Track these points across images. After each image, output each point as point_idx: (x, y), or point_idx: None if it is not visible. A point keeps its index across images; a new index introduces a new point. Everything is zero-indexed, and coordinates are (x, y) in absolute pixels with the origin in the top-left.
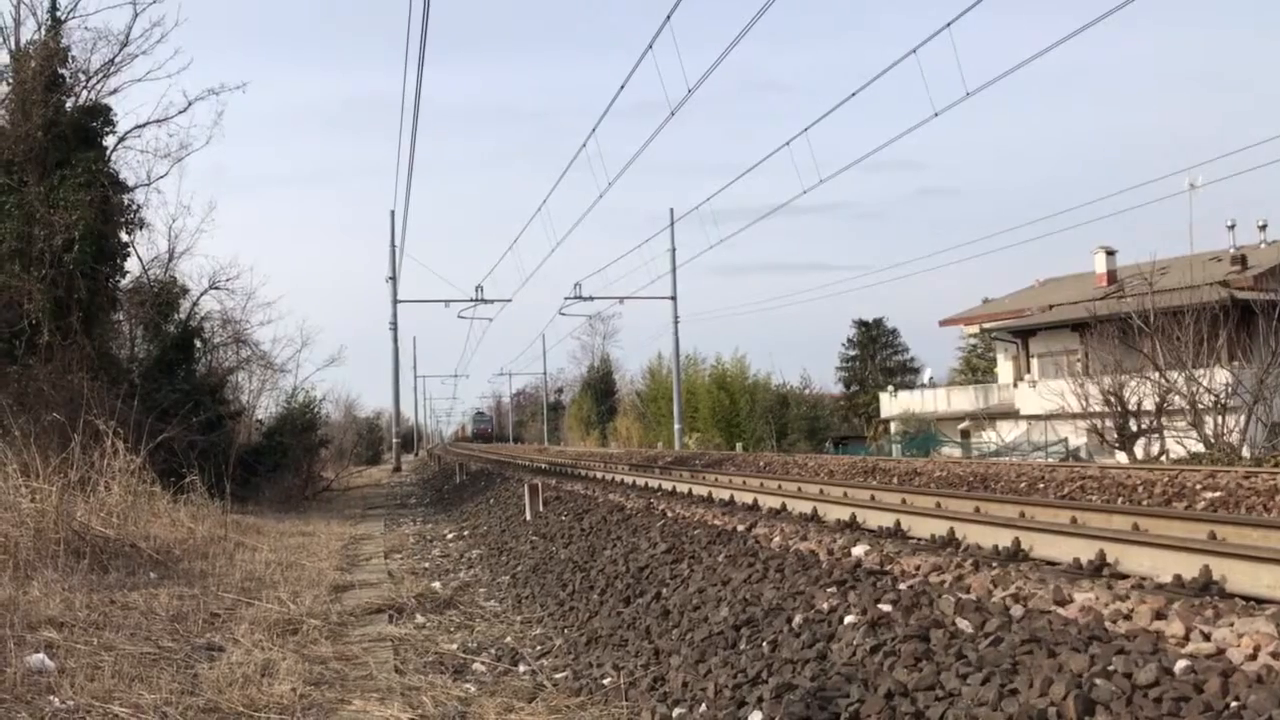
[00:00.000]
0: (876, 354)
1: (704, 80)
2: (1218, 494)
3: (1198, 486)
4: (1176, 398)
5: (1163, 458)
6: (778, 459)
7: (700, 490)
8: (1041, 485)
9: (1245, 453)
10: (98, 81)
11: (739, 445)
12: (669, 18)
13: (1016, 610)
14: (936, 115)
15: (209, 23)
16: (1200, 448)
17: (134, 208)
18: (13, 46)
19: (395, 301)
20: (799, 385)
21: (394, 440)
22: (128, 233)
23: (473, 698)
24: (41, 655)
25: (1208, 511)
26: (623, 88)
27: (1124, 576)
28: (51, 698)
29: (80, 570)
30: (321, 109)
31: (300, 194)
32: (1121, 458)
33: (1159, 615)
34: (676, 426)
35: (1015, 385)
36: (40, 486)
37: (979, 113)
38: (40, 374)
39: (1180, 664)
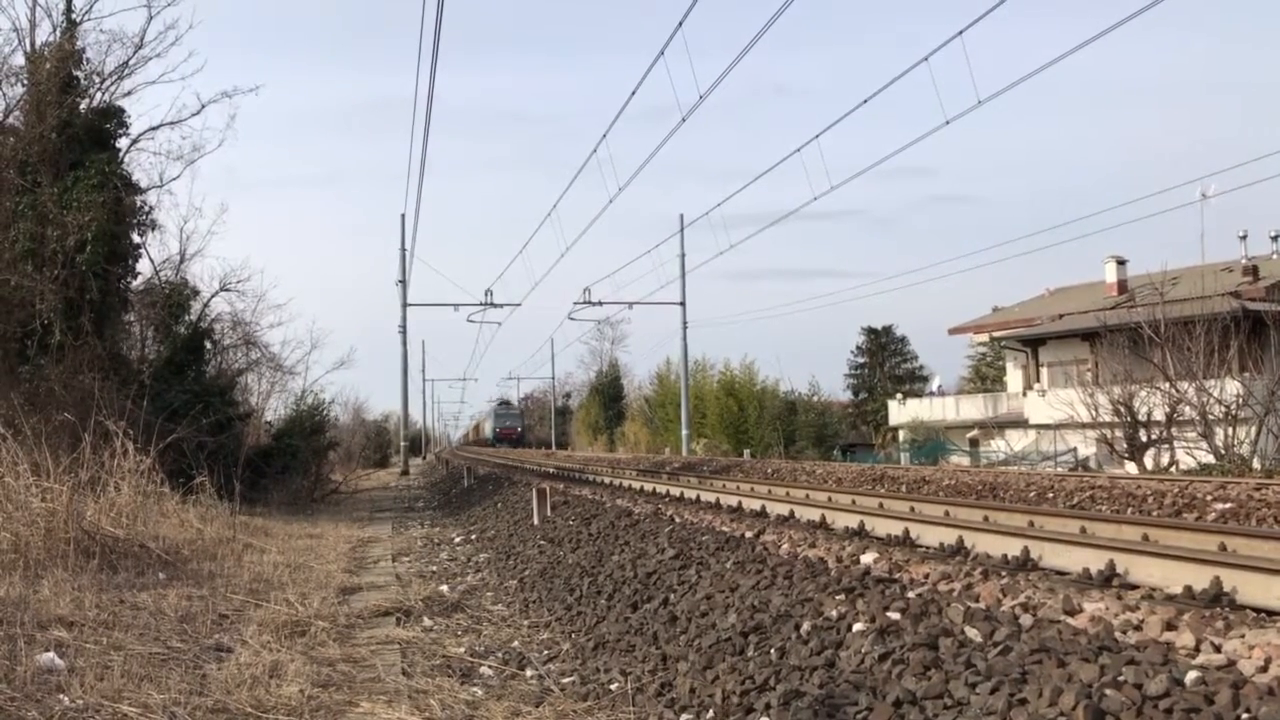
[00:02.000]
0: (885, 361)
1: (715, 86)
2: (1228, 505)
3: (1208, 498)
4: (1187, 408)
5: (1173, 468)
6: (786, 466)
7: (708, 496)
8: (1051, 495)
9: (1256, 464)
10: (112, 84)
11: (747, 452)
12: (680, 24)
13: (1026, 619)
14: (948, 123)
15: (222, 24)
16: (1211, 459)
17: (146, 209)
18: (28, 48)
19: (405, 305)
20: (807, 392)
21: (402, 443)
22: (140, 234)
23: (480, 701)
24: (51, 654)
25: (1218, 523)
26: (634, 93)
27: (1134, 587)
28: (61, 696)
29: (90, 570)
30: (333, 110)
31: (310, 196)
32: (1131, 468)
33: (1169, 626)
34: (684, 432)
35: (1024, 394)
36: (51, 486)
37: (991, 120)
38: (51, 374)
39: (1191, 675)
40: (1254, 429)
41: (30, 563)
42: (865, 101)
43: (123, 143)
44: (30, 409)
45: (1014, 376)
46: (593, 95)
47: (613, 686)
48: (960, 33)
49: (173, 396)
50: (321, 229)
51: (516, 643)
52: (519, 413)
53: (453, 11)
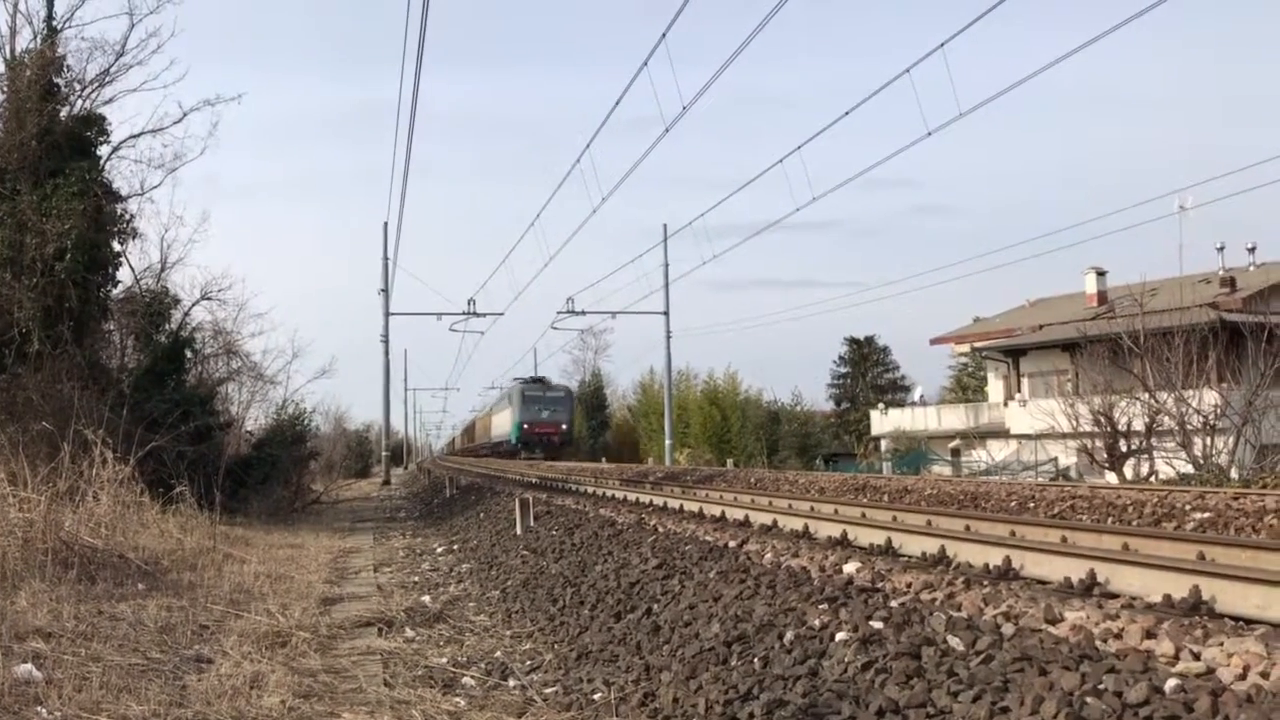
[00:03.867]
0: (868, 371)
1: (698, 98)
2: (1207, 515)
3: (1187, 507)
4: (1166, 419)
5: (1152, 478)
6: (769, 475)
7: (691, 506)
8: (1032, 504)
9: (1234, 474)
10: (93, 91)
11: (730, 461)
12: (664, 35)
13: (1008, 628)
14: (930, 134)
15: (204, 28)
16: (1189, 469)
17: (127, 217)
18: (8, 55)
19: (387, 314)
20: (790, 402)
21: (384, 453)
22: (120, 242)
23: (463, 712)
24: (29, 665)
25: (1197, 532)
26: (618, 104)
27: (1114, 596)
28: (39, 708)
29: (68, 580)
30: (316, 118)
31: (293, 203)
32: (1111, 478)
33: (1149, 634)
34: (668, 442)
35: (1005, 404)
36: (29, 496)
37: (973, 132)
38: (29, 383)
39: (1170, 683)
40: (1231, 439)
41: (7, 573)
42: (848, 113)
43: (104, 150)
44: (8, 418)
45: (995, 387)
46: (580, 103)
47: (596, 696)
48: (942, 45)
49: (153, 406)
50: (303, 237)
51: (499, 653)
52: (564, 396)
53: (437, 18)
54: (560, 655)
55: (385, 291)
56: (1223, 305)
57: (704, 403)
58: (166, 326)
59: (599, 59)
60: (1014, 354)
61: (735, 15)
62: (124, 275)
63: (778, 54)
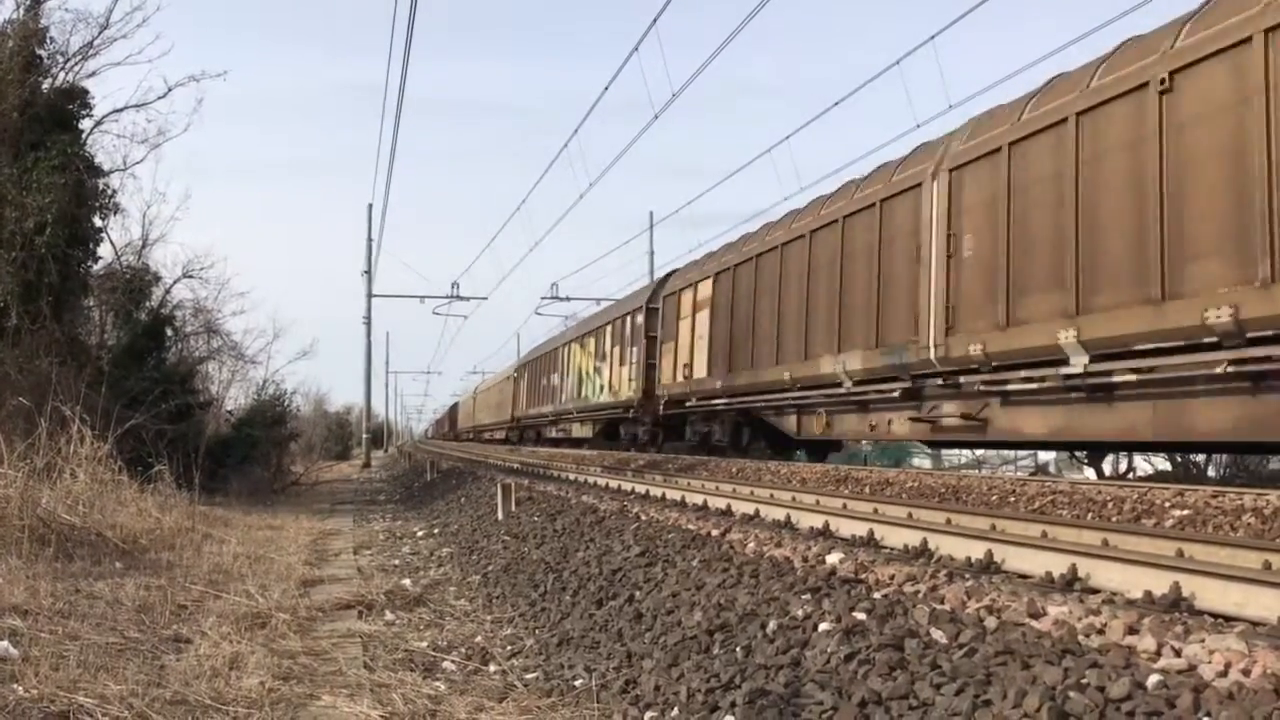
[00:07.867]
0: None
1: (688, 85)
2: (1186, 512)
3: (1166, 504)
4: None
5: (1130, 475)
6: (750, 465)
7: (674, 494)
8: (1012, 499)
9: (1211, 472)
10: (76, 64)
11: None
12: (655, 22)
13: (990, 622)
14: (919, 127)
15: (191, 6)
16: (1167, 466)
17: (109, 192)
18: None
19: (370, 296)
20: None
21: (364, 436)
22: (102, 217)
23: (443, 696)
24: (5, 643)
25: (1176, 529)
26: (606, 89)
27: (1095, 591)
28: (15, 686)
29: (45, 558)
30: (302, 97)
31: (275, 183)
32: (1090, 474)
33: (1131, 630)
34: None
35: None
36: (5, 472)
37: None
38: (7, 358)
39: (1153, 679)
40: None
41: None
42: (837, 104)
43: (86, 124)
44: None
45: None
46: (574, 87)
47: (577, 683)
48: (933, 37)
49: (132, 383)
50: (287, 217)
51: (480, 638)
52: None
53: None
54: (541, 641)
55: (368, 273)
56: None
57: None
58: (147, 304)
59: (595, 44)
60: None
61: (728, 2)
62: (105, 251)
63: (769, 43)
